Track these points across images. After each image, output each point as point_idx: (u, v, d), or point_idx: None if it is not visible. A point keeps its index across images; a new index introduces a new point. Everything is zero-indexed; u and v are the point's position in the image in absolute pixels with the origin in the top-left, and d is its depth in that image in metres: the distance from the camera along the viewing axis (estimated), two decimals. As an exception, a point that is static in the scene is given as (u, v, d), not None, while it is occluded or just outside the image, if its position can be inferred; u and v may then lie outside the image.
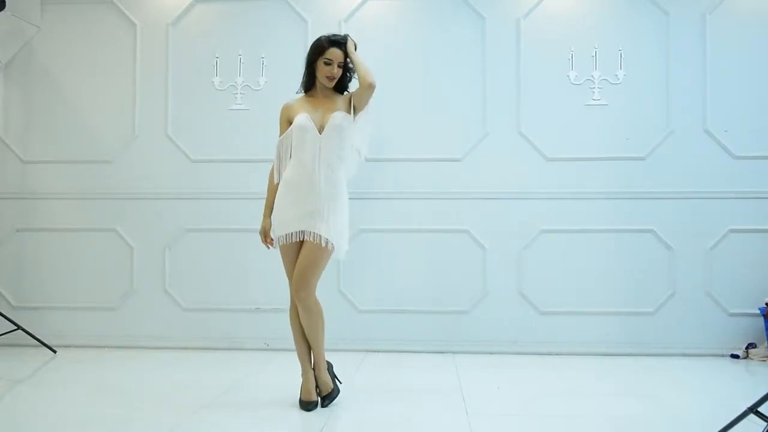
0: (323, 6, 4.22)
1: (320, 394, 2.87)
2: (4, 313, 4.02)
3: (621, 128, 4.08)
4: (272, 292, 4.09)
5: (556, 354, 4.00)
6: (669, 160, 4.04)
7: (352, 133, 2.86)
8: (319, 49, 2.83)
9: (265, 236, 2.92)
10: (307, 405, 2.83)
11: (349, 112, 2.88)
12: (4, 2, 3.95)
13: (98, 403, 2.92)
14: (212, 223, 4.21)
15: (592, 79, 4.10)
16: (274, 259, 4.15)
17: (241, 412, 2.79)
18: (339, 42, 2.83)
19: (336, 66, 2.82)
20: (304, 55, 2.93)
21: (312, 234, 2.77)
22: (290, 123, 2.86)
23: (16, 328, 3.96)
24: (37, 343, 4.01)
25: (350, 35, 2.90)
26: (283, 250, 2.85)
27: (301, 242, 2.81)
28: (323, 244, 2.77)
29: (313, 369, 2.88)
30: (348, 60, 2.85)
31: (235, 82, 4.24)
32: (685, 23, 4.06)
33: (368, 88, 2.80)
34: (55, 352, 4.02)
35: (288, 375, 3.20)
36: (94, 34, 4.31)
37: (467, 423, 2.63)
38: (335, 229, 2.81)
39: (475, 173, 4.12)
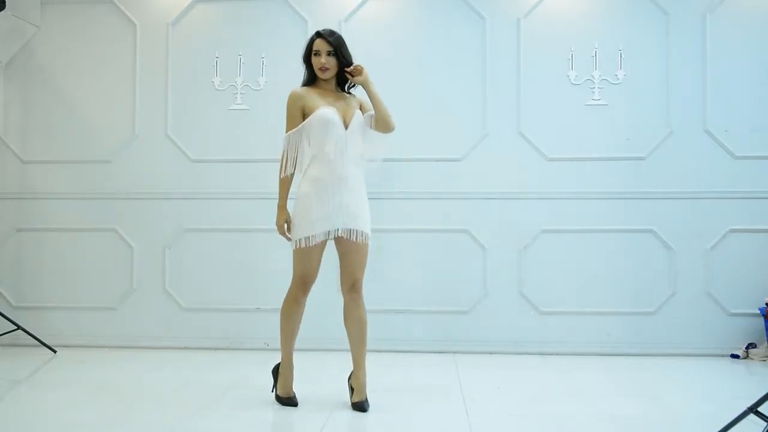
0: (323, 6, 4.22)
1: (356, 398, 2.80)
2: (4, 313, 4.02)
3: (621, 128, 4.08)
4: (272, 292, 4.07)
5: (556, 354, 4.00)
6: (669, 160, 4.04)
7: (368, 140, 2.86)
8: (308, 44, 2.83)
9: (288, 228, 2.79)
10: (291, 401, 2.84)
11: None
12: (4, 2, 3.95)
13: (98, 403, 2.92)
14: (212, 223, 4.21)
15: (592, 79, 4.10)
16: (274, 259, 4.13)
17: (241, 412, 2.79)
18: (321, 33, 2.79)
19: (324, 55, 2.77)
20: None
21: (358, 233, 2.77)
22: (303, 113, 2.77)
23: (16, 328, 3.96)
24: (37, 343, 4.01)
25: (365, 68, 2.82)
26: (307, 250, 2.74)
27: (324, 241, 2.78)
28: (367, 241, 2.81)
29: (356, 372, 2.83)
30: (340, 52, 2.77)
31: (235, 82, 4.23)
32: (685, 23, 4.06)
33: (386, 128, 2.82)
34: (55, 352, 4.02)
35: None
36: (94, 34, 4.31)
37: (467, 423, 2.63)
38: (368, 225, 2.83)
39: (475, 173, 4.12)
